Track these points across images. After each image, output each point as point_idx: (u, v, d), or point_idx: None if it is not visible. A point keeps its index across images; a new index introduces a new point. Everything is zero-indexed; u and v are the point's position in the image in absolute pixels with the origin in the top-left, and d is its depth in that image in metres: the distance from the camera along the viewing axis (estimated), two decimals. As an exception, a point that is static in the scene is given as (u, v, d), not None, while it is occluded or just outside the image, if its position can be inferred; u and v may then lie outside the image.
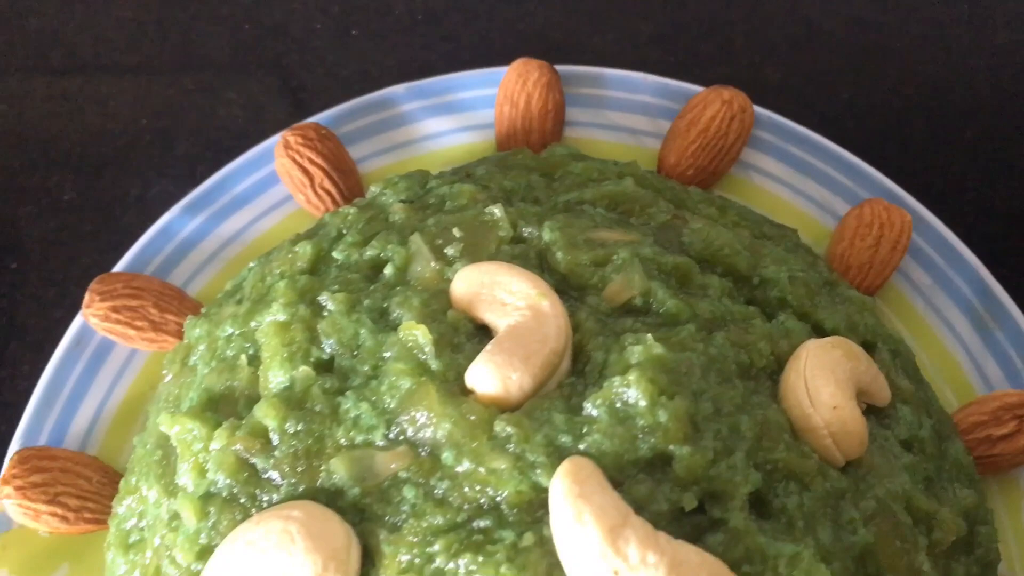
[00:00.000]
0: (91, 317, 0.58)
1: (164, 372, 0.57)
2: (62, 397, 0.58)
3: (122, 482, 0.55)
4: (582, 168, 0.58)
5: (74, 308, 0.60)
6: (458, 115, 0.65)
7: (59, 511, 0.55)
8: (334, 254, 0.53)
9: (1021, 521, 0.58)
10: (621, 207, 0.55)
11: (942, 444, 0.53)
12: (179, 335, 0.58)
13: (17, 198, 0.69)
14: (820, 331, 0.52)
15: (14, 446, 0.56)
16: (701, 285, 0.50)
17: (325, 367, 0.48)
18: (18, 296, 0.68)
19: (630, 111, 0.65)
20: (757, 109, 0.64)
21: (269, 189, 0.63)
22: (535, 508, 0.42)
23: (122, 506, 0.53)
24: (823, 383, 0.46)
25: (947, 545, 0.48)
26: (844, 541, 0.43)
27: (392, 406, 0.45)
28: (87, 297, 0.58)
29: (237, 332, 0.52)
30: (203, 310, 0.58)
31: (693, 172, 0.62)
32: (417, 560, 0.41)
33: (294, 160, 0.60)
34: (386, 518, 0.43)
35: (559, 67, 0.64)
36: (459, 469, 0.43)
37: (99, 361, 0.59)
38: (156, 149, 0.70)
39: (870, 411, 0.50)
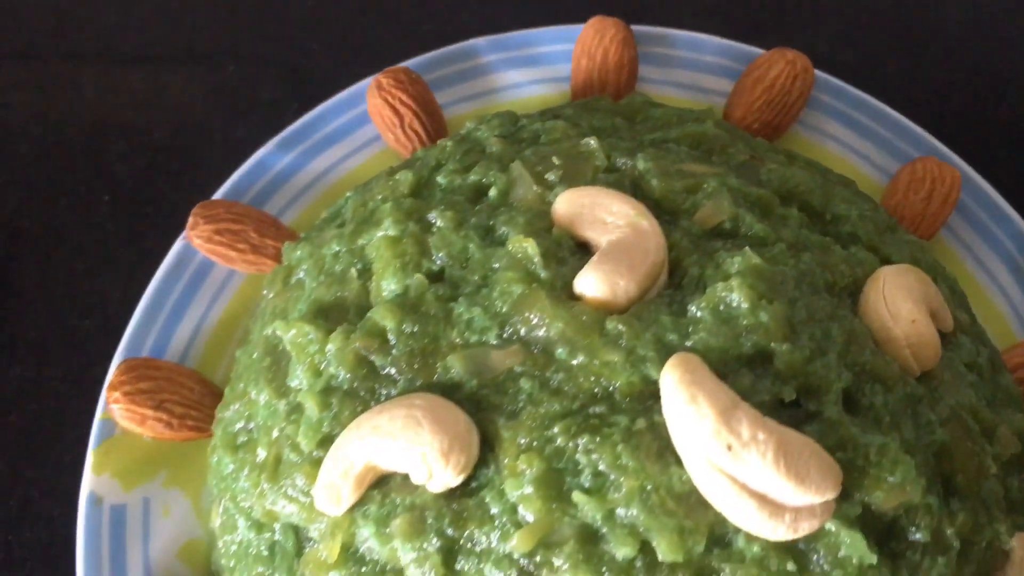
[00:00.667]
0: (195, 239, 0.61)
1: (265, 292, 0.60)
2: (163, 314, 0.61)
3: (227, 390, 0.58)
4: (661, 113, 0.61)
5: (165, 239, 0.63)
6: (536, 68, 0.68)
7: (164, 417, 0.57)
8: (437, 179, 0.56)
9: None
10: (703, 146, 0.58)
11: (995, 374, 0.57)
12: (277, 259, 0.61)
13: (111, 135, 0.72)
14: (888, 264, 0.55)
15: (117, 359, 0.59)
16: (781, 216, 0.54)
17: (436, 277, 0.51)
18: (110, 227, 0.71)
19: (696, 70, 0.69)
20: (816, 72, 0.68)
21: (358, 129, 0.66)
22: (645, 398, 0.45)
23: (228, 411, 0.56)
24: (901, 300, 0.50)
25: (1006, 458, 0.52)
26: (923, 439, 0.47)
27: (504, 310, 0.48)
28: (191, 220, 0.61)
29: (344, 250, 0.55)
30: (302, 235, 0.61)
31: (758, 127, 0.66)
32: (536, 442, 0.44)
33: (385, 100, 0.64)
34: (503, 407, 0.46)
35: (636, 27, 0.68)
36: (573, 362, 0.46)
37: (198, 282, 0.62)
38: (243, 93, 0.73)
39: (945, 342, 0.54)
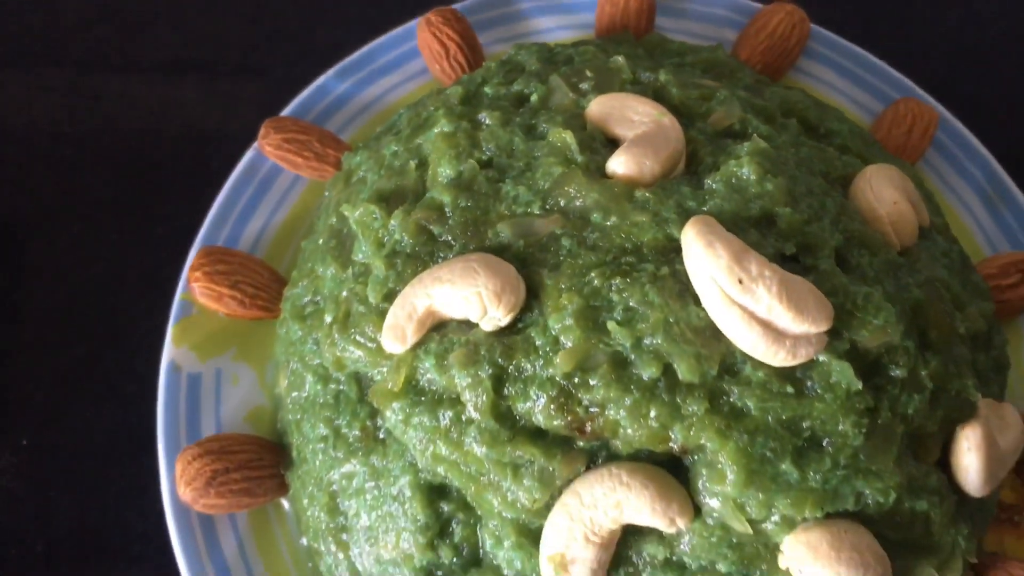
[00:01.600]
0: (266, 146, 0.68)
1: (327, 193, 0.67)
2: (235, 211, 0.68)
3: (294, 272, 0.65)
4: (677, 46, 0.70)
5: (228, 161, 0.71)
6: (565, 15, 0.76)
7: (238, 295, 0.65)
8: (484, 90, 0.64)
9: (1019, 355, 0.70)
10: (714, 70, 0.66)
11: (965, 269, 0.65)
12: (338, 166, 0.68)
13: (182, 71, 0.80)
14: (875, 169, 0.63)
15: (196, 246, 0.66)
16: (783, 124, 0.62)
17: (486, 164, 0.59)
18: (165, 155, 0.79)
19: (707, 21, 0.77)
20: (812, 25, 0.76)
21: (408, 63, 0.74)
22: (668, 252, 0.52)
23: (297, 287, 0.63)
24: (885, 187, 0.58)
25: (973, 332, 0.60)
26: (903, 294, 0.54)
27: (546, 187, 0.56)
28: (262, 130, 0.68)
29: (402, 149, 0.63)
30: (360, 144, 0.68)
31: (760, 68, 0.74)
32: (575, 286, 0.52)
33: (434, 35, 0.72)
34: (547, 262, 0.54)
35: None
36: (607, 223, 0.54)
37: (267, 185, 0.69)
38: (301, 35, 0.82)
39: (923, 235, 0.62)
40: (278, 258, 0.68)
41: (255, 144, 0.69)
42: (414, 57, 0.73)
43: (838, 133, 0.64)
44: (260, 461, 0.62)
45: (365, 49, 0.73)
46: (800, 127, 0.63)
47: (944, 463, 0.56)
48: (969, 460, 0.54)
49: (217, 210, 0.67)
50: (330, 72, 0.72)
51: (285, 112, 0.71)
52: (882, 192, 0.57)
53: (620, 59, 0.63)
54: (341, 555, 0.59)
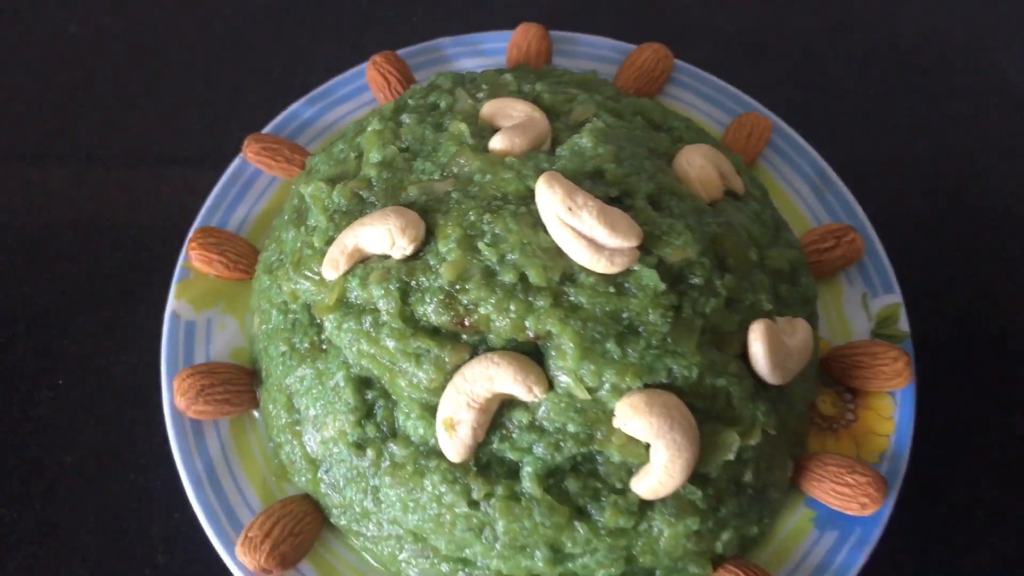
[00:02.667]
0: (248, 154, 0.88)
1: (293, 187, 0.87)
2: (224, 204, 0.88)
3: (265, 241, 0.84)
4: (561, 72, 0.90)
5: (219, 164, 0.90)
6: (483, 57, 0.96)
7: (224, 260, 0.83)
8: (408, 102, 0.84)
9: (840, 307, 0.87)
10: (583, 86, 0.87)
11: (778, 229, 0.83)
12: (303, 168, 0.88)
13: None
14: (702, 154, 0.82)
15: (194, 227, 0.86)
16: (630, 120, 0.82)
17: (404, 150, 0.79)
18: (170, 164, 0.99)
19: (594, 60, 0.97)
20: (676, 60, 0.96)
21: (360, 94, 0.94)
22: (526, 197, 0.71)
23: (267, 251, 0.83)
24: (696, 156, 0.77)
25: (775, 268, 0.78)
26: (702, 228, 0.73)
27: (444, 161, 0.75)
28: (245, 143, 0.88)
29: (346, 146, 0.83)
30: (319, 150, 0.88)
31: (634, 92, 0.94)
32: (458, 222, 0.71)
33: (378, 71, 0.92)
34: (441, 210, 0.72)
35: (551, 32, 0.97)
36: (484, 180, 0.73)
37: (250, 184, 0.88)
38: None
39: (730, 195, 0.81)
40: (257, 239, 0.87)
41: (240, 154, 0.89)
42: (364, 90, 0.93)
43: (677, 128, 0.83)
44: (238, 380, 0.80)
45: (327, 84, 0.93)
46: (645, 122, 0.83)
47: (745, 357, 0.74)
48: (756, 348, 0.72)
49: (211, 202, 0.87)
50: (300, 101, 0.92)
51: (264, 131, 0.91)
52: (693, 159, 0.77)
53: (509, 76, 0.83)
54: (296, 443, 0.76)
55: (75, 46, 1.05)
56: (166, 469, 0.79)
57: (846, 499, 0.76)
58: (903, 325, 0.85)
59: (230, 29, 1.07)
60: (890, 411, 0.82)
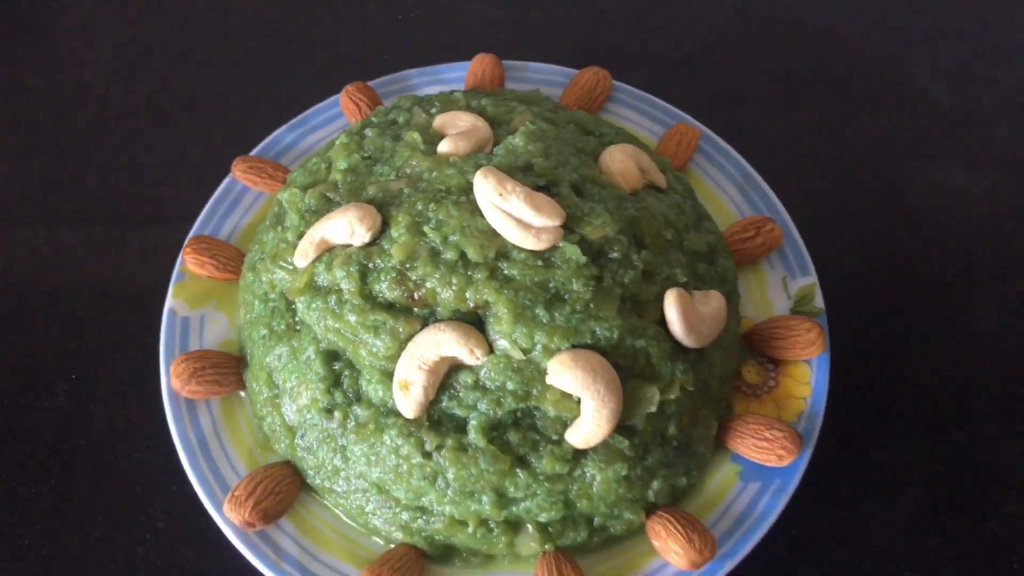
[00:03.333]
0: (236, 172, 1.00)
1: (276, 197, 0.99)
2: (216, 216, 0.99)
3: (250, 244, 0.96)
4: (509, 92, 1.02)
5: (215, 181, 1.02)
6: (444, 85, 1.08)
7: (215, 263, 0.94)
8: (372, 119, 0.96)
9: (763, 289, 0.97)
10: (525, 101, 0.98)
11: (700, 220, 0.94)
12: (284, 182, 1.00)
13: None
14: (629, 155, 0.93)
15: (189, 236, 0.98)
16: (563, 125, 0.93)
17: (366, 158, 0.90)
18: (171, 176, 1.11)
19: (542, 84, 1.09)
20: (614, 81, 1.08)
21: (335, 120, 1.06)
22: (466, 189, 0.81)
23: (251, 252, 0.94)
24: (618, 153, 0.88)
25: (692, 249, 0.88)
26: (620, 211, 0.83)
27: (399, 164, 0.87)
28: (234, 164, 0.99)
29: (319, 159, 0.94)
30: (296, 167, 1.00)
31: (576, 109, 1.06)
32: (408, 212, 0.82)
33: (350, 98, 1.04)
34: (394, 204, 0.83)
35: (504, 61, 1.09)
36: (431, 176, 0.84)
37: (239, 200, 1.00)
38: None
39: (653, 187, 0.91)
40: (245, 245, 0.97)
41: (230, 174, 1.00)
42: (339, 116, 1.05)
43: (607, 134, 0.95)
44: (226, 364, 0.90)
45: (306, 112, 1.05)
46: (578, 128, 0.94)
47: (664, 324, 0.84)
48: (670, 313, 0.82)
49: (204, 214, 0.98)
50: (283, 127, 1.04)
51: (251, 153, 1.03)
52: (615, 155, 0.87)
53: (459, 94, 0.95)
54: (276, 414, 0.86)
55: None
56: (165, 448, 0.89)
57: (765, 452, 0.85)
58: (818, 302, 0.94)
59: (222, 72, 1.19)
60: (807, 377, 0.91)
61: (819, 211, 1.05)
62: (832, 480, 0.92)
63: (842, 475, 0.93)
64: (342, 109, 1.04)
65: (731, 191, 1.02)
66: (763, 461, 0.86)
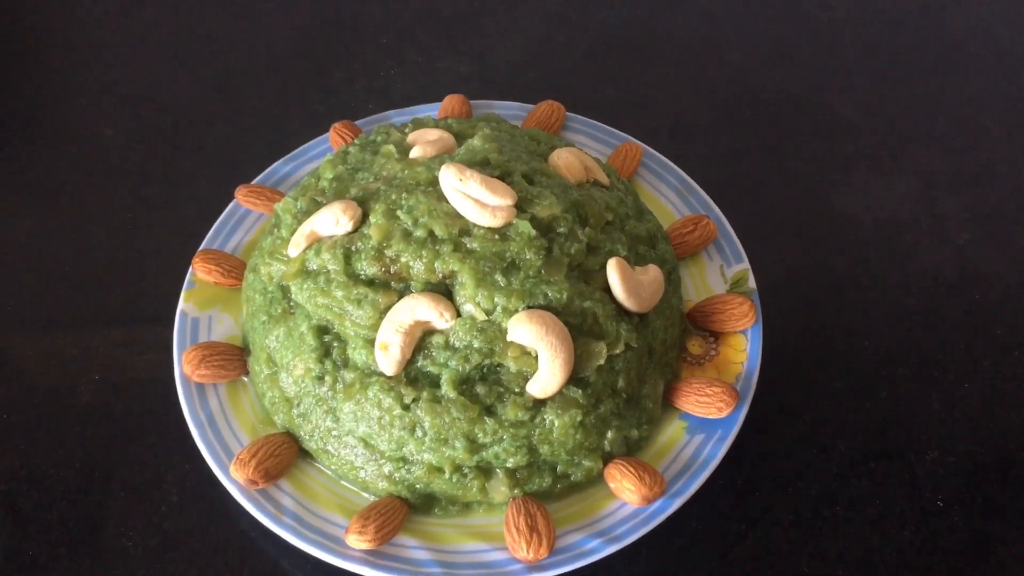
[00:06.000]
0: (239, 196, 1.13)
1: (273, 210, 1.12)
2: (222, 234, 1.12)
3: (251, 253, 1.08)
4: (473, 119, 1.16)
5: (224, 201, 1.15)
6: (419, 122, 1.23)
7: (221, 270, 1.06)
8: (354, 142, 1.10)
9: (703, 276, 1.09)
10: (486, 120, 1.12)
11: (640, 212, 1.06)
12: (280, 203, 1.13)
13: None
14: (577, 161, 1.06)
15: (200, 249, 1.10)
16: (519, 140, 1.07)
17: (350, 169, 1.03)
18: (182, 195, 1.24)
19: (506, 117, 1.23)
20: (568, 113, 1.22)
21: (325, 153, 1.19)
22: (434, 182, 0.93)
23: (252, 258, 1.06)
24: (565, 153, 1.00)
25: (632, 234, 1.00)
26: (566, 196, 0.96)
27: (377, 170, 1.00)
28: (237, 190, 1.13)
29: (310, 177, 1.08)
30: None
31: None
32: (384, 202, 0.94)
33: (338, 134, 1.18)
34: (373, 198, 0.96)
35: (472, 101, 1.24)
36: (403, 175, 0.97)
37: (241, 220, 1.12)
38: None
39: (597, 184, 1.04)
40: (246, 257, 1.11)
41: (234, 199, 1.14)
42: (329, 150, 1.19)
43: (558, 145, 1.08)
44: (231, 353, 1.01)
45: (300, 148, 1.19)
46: (529, 139, 1.07)
47: (608, 291, 0.95)
48: (612, 278, 0.93)
49: (212, 232, 1.10)
50: (279, 161, 1.18)
51: (252, 183, 1.16)
52: (561, 154, 1.00)
53: (428, 117, 1.09)
54: (275, 388, 0.97)
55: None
56: (178, 432, 0.99)
57: (706, 406, 0.96)
58: (751, 283, 1.06)
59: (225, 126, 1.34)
60: (743, 345, 1.02)
61: (750, 210, 1.17)
62: (771, 438, 1.01)
63: (779, 433, 1.02)
64: (331, 143, 1.18)
65: (671, 196, 1.14)
66: (705, 414, 0.95)
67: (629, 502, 0.90)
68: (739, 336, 1.02)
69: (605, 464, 0.93)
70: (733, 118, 1.34)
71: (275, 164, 1.16)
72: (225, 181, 1.16)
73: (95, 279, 1.18)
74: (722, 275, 1.07)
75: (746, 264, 1.06)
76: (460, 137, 1.04)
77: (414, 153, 0.98)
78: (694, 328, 1.04)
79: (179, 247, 1.14)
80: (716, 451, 0.94)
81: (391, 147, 1.00)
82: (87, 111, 1.37)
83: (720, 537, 0.96)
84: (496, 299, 0.87)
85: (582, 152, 1.02)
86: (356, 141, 1.07)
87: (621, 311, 0.93)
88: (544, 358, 0.86)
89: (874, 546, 0.94)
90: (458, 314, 0.88)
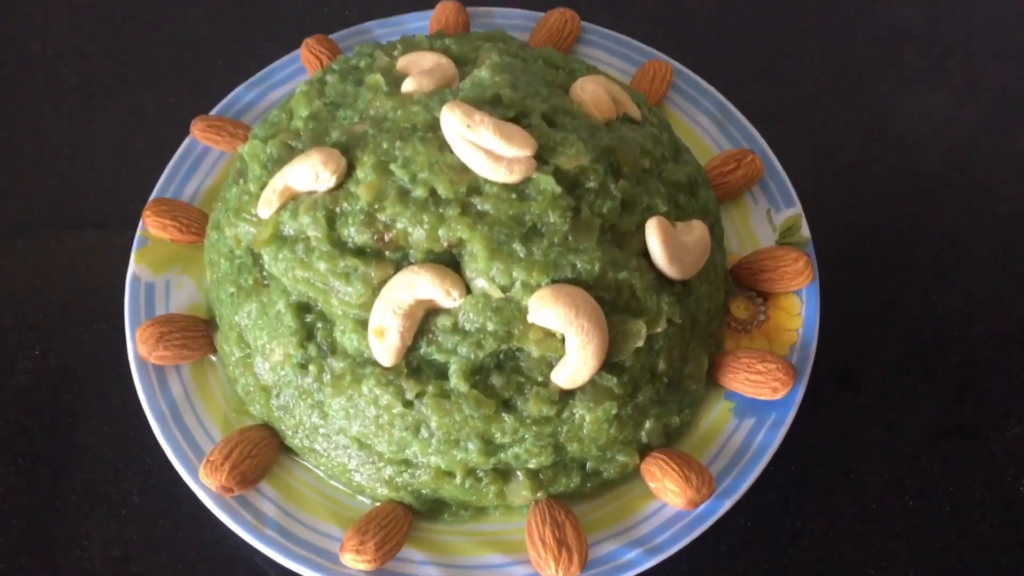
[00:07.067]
0: (195, 132, 0.95)
1: (238, 153, 0.94)
2: (177, 178, 0.94)
3: (214, 204, 0.91)
4: (472, 34, 0.98)
5: (179, 136, 0.97)
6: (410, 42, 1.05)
7: (177, 224, 0.89)
8: (333, 67, 0.91)
9: (747, 224, 0.94)
10: (490, 39, 0.94)
11: (677, 152, 0.90)
12: (246, 139, 0.95)
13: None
14: (602, 89, 0.89)
15: (151, 198, 0.93)
16: (531, 61, 0.89)
17: (328, 105, 0.86)
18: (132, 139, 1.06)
19: (509, 29, 1.05)
20: (582, 22, 1.04)
21: (296, 77, 1.01)
22: (433, 126, 0.76)
23: (215, 211, 0.89)
24: (589, 84, 0.83)
25: (673, 181, 0.84)
26: (595, 140, 0.79)
27: (362, 107, 0.83)
28: (192, 124, 0.95)
29: (279, 111, 0.90)
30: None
31: (546, 52, 1.01)
32: (375, 151, 0.77)
33: (311, 51, 0.99)
34: (359, 146, 0.79)
35: (468, 8, 1.04)
36: (395, 115, 0.79)
37: (200, 161, 0.95)
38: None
39: (628, 120, 0.87)
40: (209, 207, 0.93)
41: (189, 134, 0.96)
42: (301, 72, 1.01)
43: (577, 69, 0.91)
44: (194, 327, 0.86)
45: (266, 69, 1.01)
46: (546, 64, 0.90)
47: (647, 255, 0.80)
48: (652, 242, 0.78)
49: (165, 177, 0.93)
50: (241, 86, 1.00)
51: (210, 113, 0.98)
52: (586, 85, 0.83)
53: (421, 36, 0.91)
54: (249, 375, 0.82)
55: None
56: (136, 420, 0.84)
57: (759, 386, 0.82)
58: (804, 232, 0.91)
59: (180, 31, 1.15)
60: (797, 309, 0.87)
61: (799, 143, 1.02)
62: (827, 412, 0.88)
63: (837, 406, 0.89)
64: (303, 63, 1.00)
65: (708, 126, 0.98)
66: (757, 395, 0.82)
67: (672, 505, 0.78)
68: (792, 297, 0.87)
69: (642, 457, 0.80)
70: (775, 26, 1.16)
71: (237, 90, 0.99)
72: (179, 110, 0.98)
73: (30, 232, 1.00)
74: (769, 221, 0.92)
75: (798, 208, 0.91)
76: (461, 63, 0.86)
77: (407, 86, 0.80)
78: (738, 287, 0.89)
79: (125, 194, 0.96)
80: (771, 439, 0.81)
81: (378, 77, 0.82)
82: (11, 18, 1.17)
83: (772, 536, 0.84)
84: (514, 273, 0.72)
85: (609, 80, 0.85)
86: (334, 66, 0.89)
87: (662, 280, 0.78)
88: (573, 344, 0.72)
89: (949, 542, 0.82)
90: (468, 291, 0.73)
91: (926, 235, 0.98)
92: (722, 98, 0.98)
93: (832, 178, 1.01)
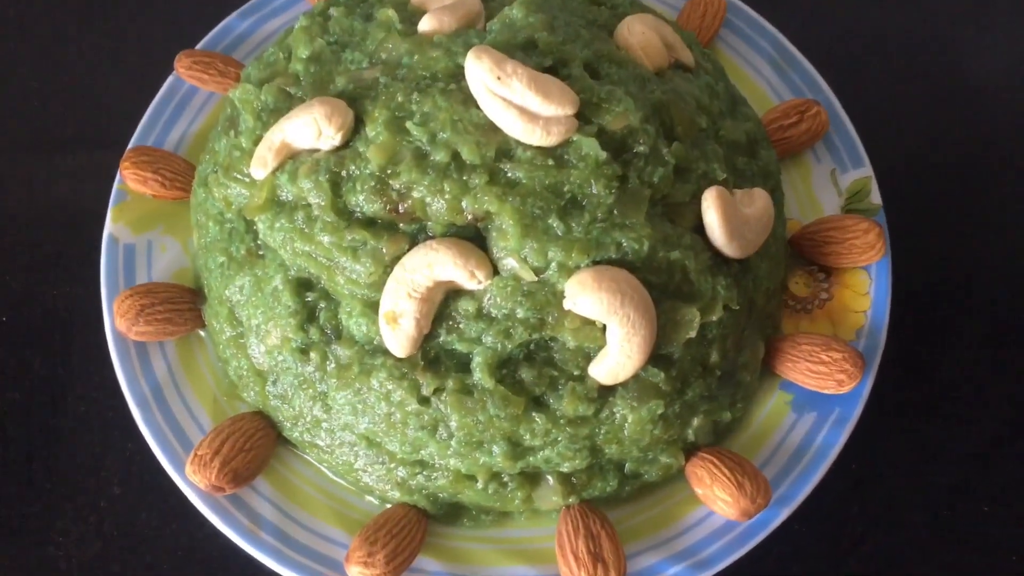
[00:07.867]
0: (180, 69, 0.84)
1: (228, 98, 0.83)
2: (159, 123, 0.84)
3: (201, 155, 0.80)
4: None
5: (155, 82, 0.86)
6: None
7: (159, 178, 0.79)
8: (336, -1, 0.80)
9: (809, 185, 0.83)
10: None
11: (735, 104, 0.79)
12: (238, 80, 0.84)
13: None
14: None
15: (129, 147, 0.82)
16: (573, 1, 0.77)
17: (332, 44, 0.74)
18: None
19: None
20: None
21: (294, 5, 0.89)
22: (456, 75, 0.66)
23: (202, 164, 0.79)
24: (637, 24, 0.72)
25: (730, 140, 0.73)
26: (645, 95, 0.68)
27: (372, 49, 0.71)
28: (176, 59, 0.84)
29: (275, 49, 0.78)
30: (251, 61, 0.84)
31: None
32: (388, 105, 0.66)
33: (313, -22, 0.88)
34: (369, 97, 0.68)
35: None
36: (412, 61, 0.68)
37: (185, 103, 0.84)
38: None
39: (680, 67, 0.76)
40: (196, 157, 0.83)
41: (173, 71, 0.84)
42: (299, 0, 0.89)
43: (620, 4, 0.79)
44: (179, 298, 0.76)
45: (260, -5, 0.89)
46: (590, 6, 0.78)
47: (701, 231, 0.69)
48: (710, 217, 0.67)
49: (145, 121, 0.83)
50: (233, 14, 0.88)
51: (197, 47, 0.87)
52: (634, 27, 0.72)
53: (437, -30, 0.79)
54: (241, 356, 0.73)
55: None
56: (116, 400, 0.76)
57: (822, 378, 0.73)
58: (875, 198, 0.81)
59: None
60: (865, 287, 0.78)
61: (868, 92, 0.90)
62: (894, 407, 0.80)
63: (905, 401, 0.81)
64: (303, -10, 0.88)
65: (766, 71, 0.87)
66: (819, 388, 0.73)
67: (722, 514, 0.69)
68: (860, 273, 0.78)
69: (688, 458, 0.71)
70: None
71: (227, 19, 0.88)
72: (160, 42, 0.87)
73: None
74: (834, 183, 0.82)
75: (868, 170, 0.81)
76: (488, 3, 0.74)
77: (425, 25, 0.69)
78: (797, 259, 0.79)
79: (101, 140, 0.85)
80: (834, 438, 0.73)
81: (390, 12, 0.71)
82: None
83: (828, 544, 0.76)
84: (550, 253, 0.63)
85: (659, 21, 0.74)
86: (338, -2, 0.77)
87: (718, 259, 0.68)
88: (616, 336, 0.62)
89: (1028, 554, 0.74)
90: (496, 272, 0.63)
91: (1014, 206, 0.87)
92: (782, 38, 0.87)
93: (907, 135, 0.90)
